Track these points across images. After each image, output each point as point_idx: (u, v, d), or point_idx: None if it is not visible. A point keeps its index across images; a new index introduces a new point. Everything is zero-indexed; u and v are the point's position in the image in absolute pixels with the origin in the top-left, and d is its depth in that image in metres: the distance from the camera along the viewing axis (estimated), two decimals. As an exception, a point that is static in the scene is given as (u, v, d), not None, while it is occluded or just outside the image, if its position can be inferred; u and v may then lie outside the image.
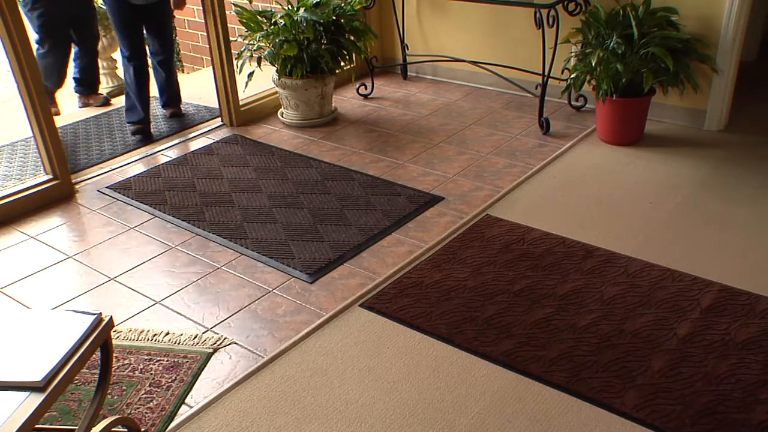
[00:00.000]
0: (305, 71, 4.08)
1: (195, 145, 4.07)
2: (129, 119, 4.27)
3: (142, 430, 2.12)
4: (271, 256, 2.97)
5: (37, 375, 1.58)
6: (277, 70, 4.17)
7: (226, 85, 4.21)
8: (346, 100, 4.67)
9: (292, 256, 2.96)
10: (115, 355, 2.41)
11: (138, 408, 2.21)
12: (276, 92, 4.41)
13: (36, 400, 1.53)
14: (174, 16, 4.53)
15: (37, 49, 4.51)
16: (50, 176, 3.52)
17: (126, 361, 2.42)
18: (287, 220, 3.24)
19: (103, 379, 1.82)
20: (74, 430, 1.77)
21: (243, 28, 4.24)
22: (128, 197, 3.50)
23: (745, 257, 2.83)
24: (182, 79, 5.80)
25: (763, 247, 2.90)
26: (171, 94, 4.51)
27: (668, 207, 3.21)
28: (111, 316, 1.81)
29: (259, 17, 4.18)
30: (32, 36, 4.05)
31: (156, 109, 4.59)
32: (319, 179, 3.61)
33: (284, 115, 4.36)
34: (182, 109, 4.58)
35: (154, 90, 4.44)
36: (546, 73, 3.94)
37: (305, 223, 3.20)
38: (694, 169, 3.54)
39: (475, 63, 4.57)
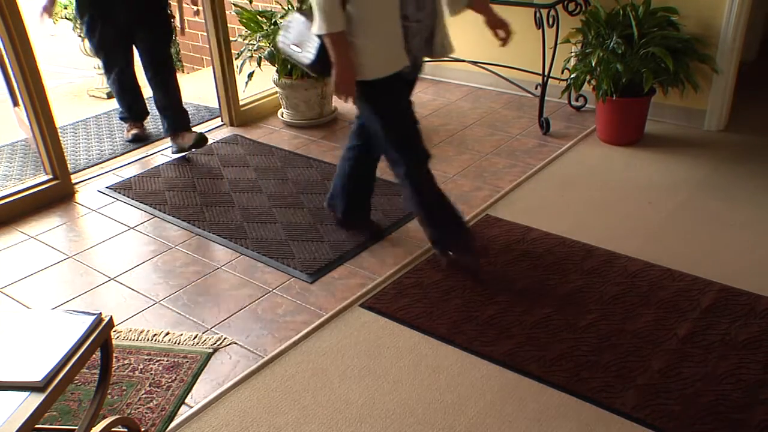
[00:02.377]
0: (305, 71, 4.08)
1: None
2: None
3: (142, 430, 2.12)
4: (271, 256, 2.97)
5: (37, 375, 1.58)
6: (277, 70, 4.17)
7: (226, 85, 4.21)
8: (346, 100, 4.67)
9: (292, 256, 2.96)
10: (115, 355, 2.41)
11: (138, 408, 2.21)
12: (276, 92, 4.41)
13: (36, 400, 1.53)
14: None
15: (104, 71, 4.17)
16: (50, 176, 3.52)
17: (126, 361, 2.42)
18: (287, 220, 3.24)
19: (103, 379, 1.82)
20: (74, 430, 1.77)
21: (243, 28, 4.24)
22: (128, 197, 3.50)
23: (745, 257, 2.83)
24: (182, 79, 5.81)
25: (763, 247, 2.90)
26: None
27: (668, 207, 3.21)
28: (111, 316, 1.81)
29: (259, 17, 4.18)
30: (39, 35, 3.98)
31: (155, 108, 4.58)
32: (319, 179, 3.60)
33: (284, 115, 4.36)
34: None
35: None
36: (546, 73, 3.94)
37: (305, 223, 3.20)
38: (694, 169, 3.54)
39: (475, 63, 4.57)
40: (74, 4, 3.86)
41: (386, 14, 2.43)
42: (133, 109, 4.16)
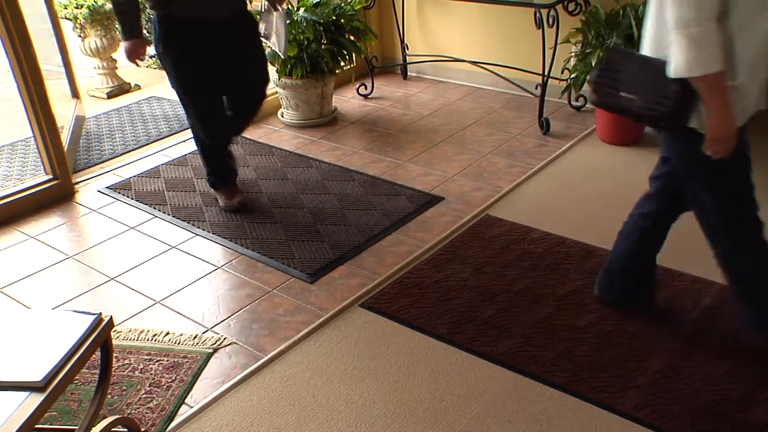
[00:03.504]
0: (305, 71, 4.08)
1: (195, 145, 4.06)
2: None
3: (142, 430, 2.12)
4: (271, 256, 2.97)
5: (37, 375, 1.58)
6: (277, 70, 4.16)
7: (226, 85, 4.21)
8: (346, 100, 4.67)
9: (292, 256, 2.96)
10: (115, 355, 2.41)
11: (138, 408, 2.21)
12: (276, 92, 4.40)
13: (36, 400, 1.53)
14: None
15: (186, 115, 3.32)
16: (50, 176, 3.52)
17: (126, 361, 2.42)
18: (287, 220, 3.24)
19: (103, 379, 1.82)
20: (74, 430, 1.77)
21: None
22: (128, 197, 3.50)
23: (745, 257, 2.83)
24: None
25: (763, 247, 2.89)
26: None
27: (668, 207, 3.21)
28: (111, 316, 1.81)
29: (259, 17, 4.18)
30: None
31: (155, 108, 4.57)
32: (319, 179, 3.60)
33: (284, 115, 4.36)
34: None
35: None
36: (546, 73, 3.94)
37: (305, 223, 3.20)
38: (694, 169, 3.54)
39: (475, 63, 4.57)
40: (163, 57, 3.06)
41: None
42: (230, 171, 3.40)
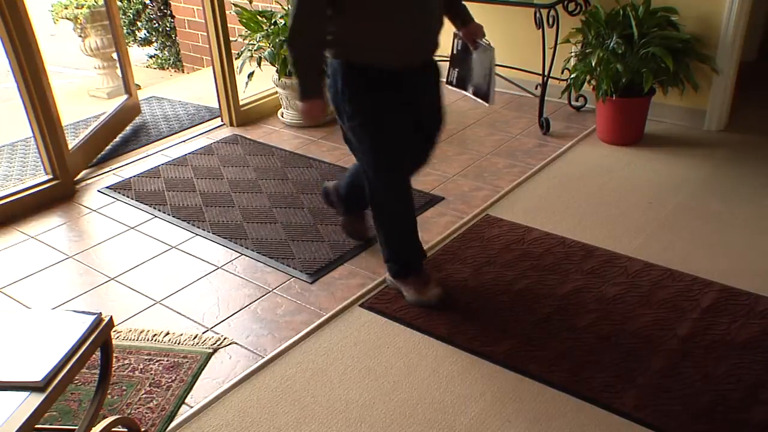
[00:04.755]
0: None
1: (195, 145, 4.07)
2: None
3: (142, 430, 2.12)
4: (271, 256, 2.97)
5: (37, 375, 1.58)
6: (277, 70, 4.16)
7: (226, 85, 4.21)
8: (346, 100, 4.67)
9: (292, 256, 2.96)
10: (115, 355, 2.41)
11: (138, 408, 2.21)
12: (276, 92, 4.41)
13: (36, 400, 1.53)
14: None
15: (371, 182, 2.56)
16: (50, 176, 3.52)
17: (126, 361, 2.42)
18: (287, 220, 3.24)
19: (103, 379, 1.82)
20: (74, 430, 1.77)
21: (243, 28, 4.24)
22: (128, 197, 3.50)
23: (745, 257, 2.83)
24: (182, 79, 5.81)
25: (763, 247, 2.90)
26: None
27: (668, 207, 3.21)
28: (111, 316, 1.81)
29: (259, 17, 4.18)
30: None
31: (155, 108, 4.57)
32: (319, 179, 3.60)
33: (284, 115, 4.36)
34: None
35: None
36: (546, 73, 3.93)
37: (305, 223, 3.20)
38: (694, 169, 3.54)
39: (475, 63, 4.56)
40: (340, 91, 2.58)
41: None
42: (419, 252, 2.71)
